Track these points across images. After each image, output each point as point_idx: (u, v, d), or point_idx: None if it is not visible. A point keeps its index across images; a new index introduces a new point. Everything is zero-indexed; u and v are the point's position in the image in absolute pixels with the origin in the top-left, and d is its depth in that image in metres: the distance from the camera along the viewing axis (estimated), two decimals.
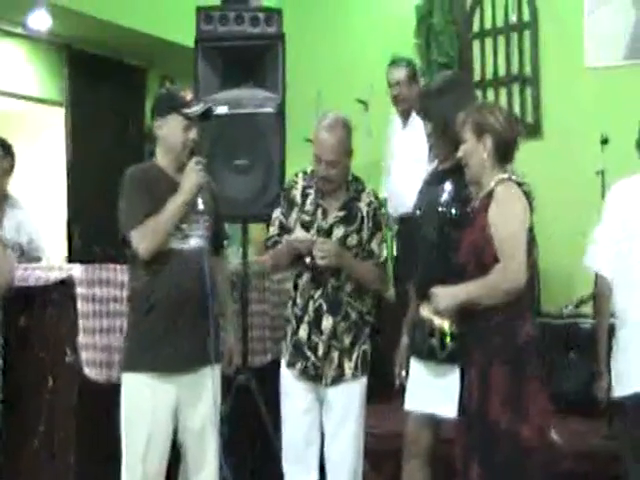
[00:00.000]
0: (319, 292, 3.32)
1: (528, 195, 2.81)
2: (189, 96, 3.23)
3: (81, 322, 3.39)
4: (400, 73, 4.88)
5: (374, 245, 3.38)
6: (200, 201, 3.14)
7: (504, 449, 2.66)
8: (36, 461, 3.46)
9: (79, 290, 3.41)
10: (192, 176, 3.11)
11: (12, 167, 4.48)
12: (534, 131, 5.54)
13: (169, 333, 3.10)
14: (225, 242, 3.51)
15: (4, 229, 4.32)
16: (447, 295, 2.78)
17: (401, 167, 4.86)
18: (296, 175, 3.46)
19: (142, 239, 3.05)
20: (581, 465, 3.59)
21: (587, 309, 4.50)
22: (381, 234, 3.41)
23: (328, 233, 3.33)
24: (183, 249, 3.14)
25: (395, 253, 4.96)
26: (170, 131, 3.16)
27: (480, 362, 2.74)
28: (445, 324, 2.79)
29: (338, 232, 3.34)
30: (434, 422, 3.09)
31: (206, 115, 3.24)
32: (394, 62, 4.95)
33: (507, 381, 2.68)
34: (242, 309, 4.05)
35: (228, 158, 4.06)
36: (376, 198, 3.45)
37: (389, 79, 4.95)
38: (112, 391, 3.20)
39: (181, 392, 3.14)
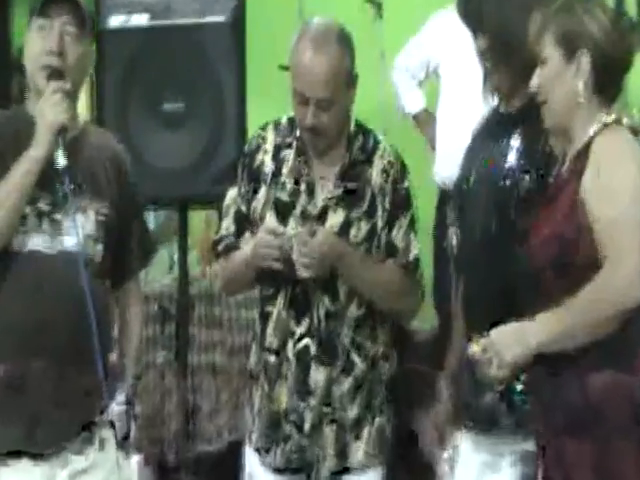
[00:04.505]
0: (304, 325, 3.29)
1: None
2: None
3: None
4: None
5: (396, 235, 3.33)
6: (61, 153, 2.97)
7: None
8: None
9: None
10: (46, 113, 2.97)
11: None
12: None
13: (23, 390, 2.98)
14: (148, 255, 3.40)
15: None
16: (513, 339, 2.69)
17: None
18: (263, 128, 3.42)
19: None
20: None
21: None
22: (408, 218, 3.35)
23: (319, 221, 3.28)
24: (49, 254, 3.01)
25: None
26: (27, 48, 3.08)
27: (551, 432, 2.73)
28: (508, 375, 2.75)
29: (335, 219, 3.29)
30: None
31: None
32: None
33: (590, 458, 2.65)
34: (177, 359, 3.91)
35: (151, 101, 4.06)
36: (398, 159, 3.36)
37: None
38: None
39: None
